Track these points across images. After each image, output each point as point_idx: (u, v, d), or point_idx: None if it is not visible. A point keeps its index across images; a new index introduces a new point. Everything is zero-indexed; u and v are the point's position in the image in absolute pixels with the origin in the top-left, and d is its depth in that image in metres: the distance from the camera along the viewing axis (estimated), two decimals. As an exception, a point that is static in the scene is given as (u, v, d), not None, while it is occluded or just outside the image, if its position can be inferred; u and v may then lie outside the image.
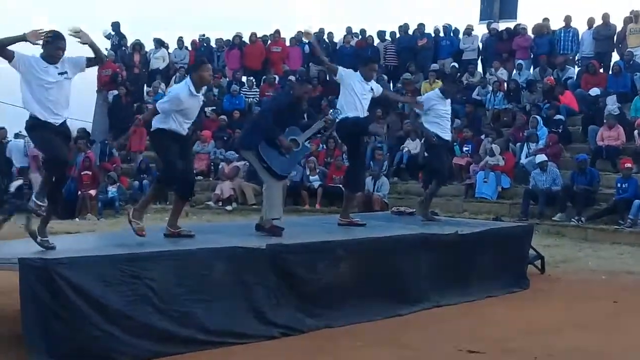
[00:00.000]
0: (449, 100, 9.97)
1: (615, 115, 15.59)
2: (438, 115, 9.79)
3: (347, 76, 8.84)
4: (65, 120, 6.84)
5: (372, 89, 8.92)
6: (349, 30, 21.38)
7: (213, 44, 22.56)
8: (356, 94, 8.73)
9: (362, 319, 7.45)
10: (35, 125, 6.69)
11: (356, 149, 9.22)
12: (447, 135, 10.01)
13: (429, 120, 9.82)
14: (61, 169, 6.84)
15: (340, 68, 8.95)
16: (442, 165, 10.19)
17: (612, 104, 16.10)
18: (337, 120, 8.67)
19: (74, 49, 6.93)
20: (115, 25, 22.38)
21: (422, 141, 10.50)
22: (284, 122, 8.09)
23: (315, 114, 14.13)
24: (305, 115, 8.59)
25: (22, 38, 6.53)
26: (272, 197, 8.11)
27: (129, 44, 22.21)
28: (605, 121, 15.56)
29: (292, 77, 20.31)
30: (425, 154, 10.58)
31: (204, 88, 7.58)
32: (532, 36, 19.20)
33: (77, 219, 15.85)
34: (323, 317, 7.22)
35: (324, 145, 17.57)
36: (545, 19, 19.44)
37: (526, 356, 6.39)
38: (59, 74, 6.67)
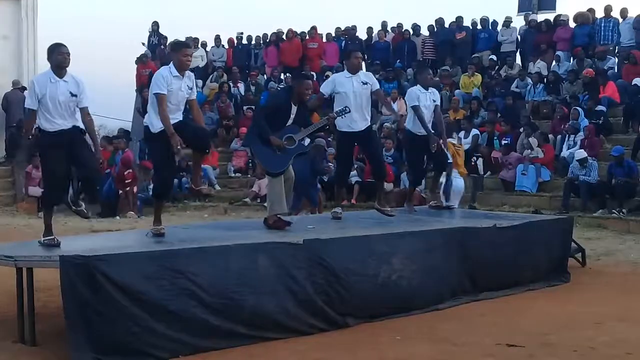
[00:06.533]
0: (430, 92, 9.88)
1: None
2: (423, 108, 9.75)
3: (329, 84, 8.90)
4: None
5: (366, 82, 8.75)
6: (384, 25, 21.32)
7: (252, 41, 22.62)
8: (346, 93, 8.68)
9: (402, 313, 7.47)
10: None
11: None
12: (422, 130, 9.76)
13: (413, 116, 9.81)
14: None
15: (322, 87, 9.00)
16: (416, 161, 10.32)
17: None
18: (342, 118, 8.64)
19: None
20: (155, 25, 22.59)
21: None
22: (281, 119, 8.05)
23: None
24: (307, 117, 8.52)
25: None
26: (272, 193, 8.17)
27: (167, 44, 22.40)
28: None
29: (329, 73, 20.38)
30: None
31: (191, 76, 7.45)
32: (573, 26, 18.96)
33: (117, 217, 16.04)
34: (362, 312, 7.23)
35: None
36: (589, 9, 19.19)
37: (566, 350, 6.33)
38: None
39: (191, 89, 7.43)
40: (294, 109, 8.11)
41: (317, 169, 14.50)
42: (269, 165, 8.14)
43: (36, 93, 6.93)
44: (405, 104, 16.15)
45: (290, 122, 8.11)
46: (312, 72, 20.43)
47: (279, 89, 18.75)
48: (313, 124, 8.47)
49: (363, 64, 20.83)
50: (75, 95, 6.98)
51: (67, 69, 7.02)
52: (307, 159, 13.50)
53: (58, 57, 6.98)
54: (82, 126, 7.09)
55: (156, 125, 7.20)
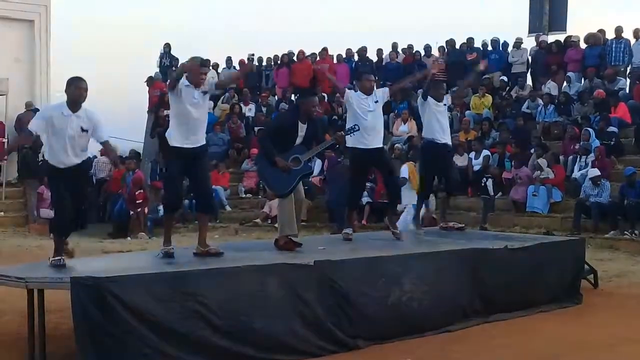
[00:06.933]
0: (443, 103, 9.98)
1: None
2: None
3: (347, 98, 8.92)
4: None
5: (377, 101, 8.86)
6: (394, 46, 21.38)
7: (263, 62, 22.72)
8: (357, 112, 8.75)
9: (412, 334, 7.43)
10: None
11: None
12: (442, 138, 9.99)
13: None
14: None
15: (347, 91, 9.06)
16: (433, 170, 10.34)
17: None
18: (352, 136, 8.69)
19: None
20: (167, 47, 22.72)
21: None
22: (288, 140, 8.08)
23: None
24: (318, 133, 8.54)
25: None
26: (283, 214, 8.18)
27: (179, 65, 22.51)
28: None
29: (339, 94, 20.41)
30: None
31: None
32: (584, 47, 18.98)
33: (129, 238, 16.07)
34: (372, 333, 7.20)
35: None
36: (600, 30, 19.19)
37: (578, 372, 6.31)
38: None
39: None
40: (302, 127, 8.13)
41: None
42: (274, 187, 8.18)
43: (45, 119, 6.92)
44: (416, 124, 16.26)
45: (299, 140, 8.13)
46: (323, 94, 20.53)
47: (284, 110, 18.86)
48: (321, 144, 8.49)
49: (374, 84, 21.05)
50: (86, 131, 6.94)
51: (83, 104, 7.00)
52: (342, 179, 13.55)
53: (75, 91, 6.94)
54: (87, 159, 7.16)
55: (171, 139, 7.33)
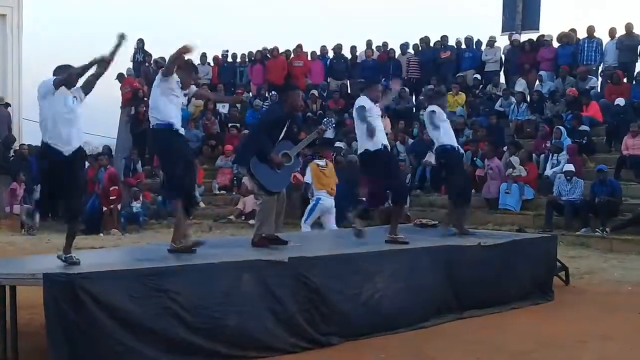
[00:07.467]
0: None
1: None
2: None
3: (369, 108, 8.61)
4: None
5: (380, 110, 8.82)
6: (369, 43, 21.40)
7: (237, 59, 22.66)
8: (374, 116, 8.58)
9: (386, 331, 7.46)
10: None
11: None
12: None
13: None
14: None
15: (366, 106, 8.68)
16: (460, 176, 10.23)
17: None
18: (329, 129, 8.67)
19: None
20: (140, 42, 22.57)
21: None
22: (276, 135, 8.03)
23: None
24: (298, 128, 8.50)
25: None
26: (264, 212, 8.09)
27: (152, 61, 22.38)
28: (630, 130, 15.43)
29: (314, 91, 20.42)
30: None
31: None
32: (557, 46, 19.13)
33: (101, 234, 15.98)
34: (346, 330, 7.21)
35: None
36: (572, 29, 19.35)
37: (550, 368, 6.36)
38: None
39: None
40: (286, 122, 8.12)
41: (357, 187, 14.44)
42: (270, 184, 7.98)
43: None
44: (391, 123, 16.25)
45: (282, 136, 8.11)
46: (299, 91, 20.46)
47: (270, 104, 18.73)
48: (305, 138, 8.47)
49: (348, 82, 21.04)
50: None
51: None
52: (342, 176, 13.52)
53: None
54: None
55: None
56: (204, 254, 7.35)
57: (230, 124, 20.20)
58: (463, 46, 20.59)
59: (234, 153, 18.58)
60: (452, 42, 20.72)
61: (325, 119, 8.65)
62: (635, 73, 17.86)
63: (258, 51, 21.96)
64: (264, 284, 6.74)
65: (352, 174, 14.07)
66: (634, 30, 18.11)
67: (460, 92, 19.19)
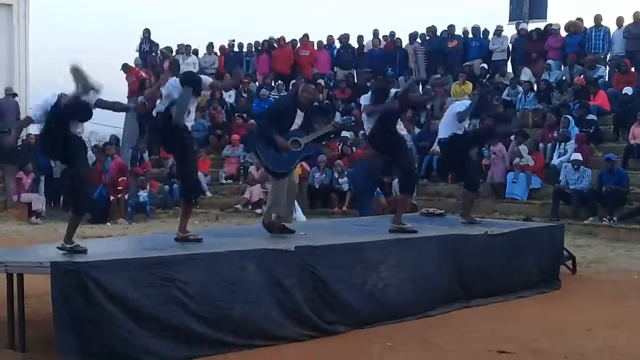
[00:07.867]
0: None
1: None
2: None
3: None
4: None
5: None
6: (375, 33, 21.34)
7: (244, 48, 22.63)
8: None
9: (393, 319, 7.46)
10: None
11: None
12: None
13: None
14: None
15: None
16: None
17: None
18: (348, 125, 8.74)
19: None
20: (146, 32, 22.55)
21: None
22: (285, 125, 8.06)
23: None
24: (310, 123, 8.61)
25: None
26: (275, 195, 8.22)
27: (159, 51, 22.37)
28: (638, 119, 15.38)
29: (320, 81, 20.38)
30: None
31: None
32: (564, 35, 19.05)
33: (108, 224, 16.01)
34: (352, 319, 7.22)
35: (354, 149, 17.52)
36: (579, 19, 19.27)
37: (556, 356, 6.35)
38: None
39: None
40: (300, 115, 8.14)
41: (378, 177, 14.45)
42: (274, 165, 8.06)
43: None
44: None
45: (295, 127, 8.13)
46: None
47: (282, 95, 18.77)
48: (319, 129, 8.50)
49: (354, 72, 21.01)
50: None
51: None
52: (366, 166, 13.56)
53: None
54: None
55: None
56: (210, 243, 7.37)
57: (237, 114, 20.17)
58: (470, 35, 20.50)
59: (240, 142, 18.63)
60: (459, 31, 20.64)
61: (345, 117, 8.72)
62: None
63: (265, 41, 21.93)
64: (270, 273, 6.75)
65: (374, 162, 14.08)
66: (642, 19, 18.02)
67: (467, 82, 19.13)
